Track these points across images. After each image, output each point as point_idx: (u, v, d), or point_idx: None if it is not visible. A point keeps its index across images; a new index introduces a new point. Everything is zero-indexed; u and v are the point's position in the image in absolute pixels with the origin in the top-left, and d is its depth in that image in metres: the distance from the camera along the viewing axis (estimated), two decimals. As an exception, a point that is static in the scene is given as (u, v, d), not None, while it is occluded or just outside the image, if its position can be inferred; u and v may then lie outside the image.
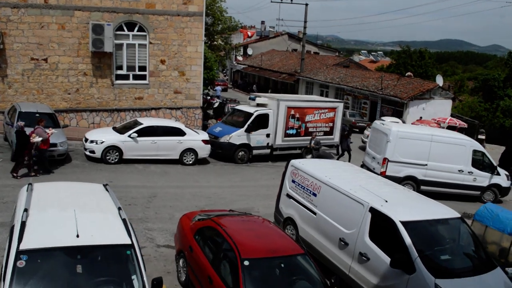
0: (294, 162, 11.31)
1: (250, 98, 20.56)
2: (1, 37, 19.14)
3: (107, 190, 8.00)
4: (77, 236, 5.99)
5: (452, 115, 34.38)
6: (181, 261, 8.95)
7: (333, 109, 21.50)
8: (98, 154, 16.57)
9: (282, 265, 7.44)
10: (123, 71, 21.30)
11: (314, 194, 10.27)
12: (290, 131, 20.24)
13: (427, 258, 7.87)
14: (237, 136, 19.09)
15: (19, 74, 19.78)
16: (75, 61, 20.39)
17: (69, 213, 6.56)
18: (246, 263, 7.02)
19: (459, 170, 17.13)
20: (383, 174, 15.76)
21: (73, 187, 8.51)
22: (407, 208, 8.74)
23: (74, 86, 20.58)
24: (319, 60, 46.57)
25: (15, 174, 14.07)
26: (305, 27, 41.40)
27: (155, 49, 21.35)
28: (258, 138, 19.58)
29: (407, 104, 31.33)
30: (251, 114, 19.47)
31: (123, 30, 20.85)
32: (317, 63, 44.68)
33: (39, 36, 19.72)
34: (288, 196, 11.27)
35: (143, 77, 21.60)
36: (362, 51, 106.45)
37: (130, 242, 6.19)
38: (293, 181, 11.17)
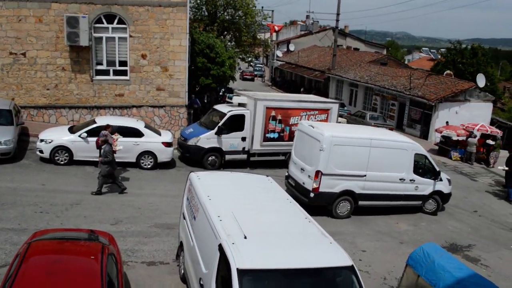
0: (191, 175, 9.44)
1: (228, 97, 18.75)
2: (-20, 30, 18.77)
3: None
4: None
5: (493, 121, 30.43)
6: None
7: (325, 110, 19.11)
8: (46, 154, 15.59)
9: None
10: (103, 66, 20.25)
11: (194, 218, 8.39)
12: (271, 135, 18.17)
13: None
14: (206, 139, 17.35)
15: (-1, 69, 19.33)
16: (53, 55, 19.62)
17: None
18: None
19: (400, 179, 14.54)
20: (315, 191, 13.40)
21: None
22: (267, 249, 6.57)
23: (52, 82, 19.83)
24: (356, 57, 43.51)
25: None
26: (337, 20, 38.91)
27: (135, 43, 20.10)
28: (231, 141, 17.73)
29: (436, 107, 27.96)
30: (224, 115, 17.66)
31: (102, 23, 19.78)
32: (352, 60, 41.71)
33: (17, 30, 19.13)
34: (183, 216, 9.45)
35: (124, 73, 20.44)
36: (424, 48, 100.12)
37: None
38: (187, 199, 9.34)
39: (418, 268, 7.97)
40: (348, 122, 29.94)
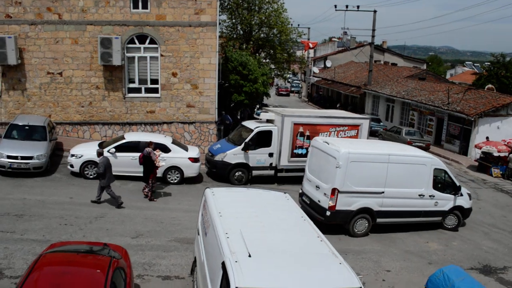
0: (206, 190, 9.40)
1: (256, 113, 18.75)
2: (21, 52, 19.76)
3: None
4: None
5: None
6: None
7: (356, 126, 18.78)
8: (76, 169, 16.08)
9: None
10: (135, 84, 20.83)
11: (206, 234, 8.32)
12: (299, 151, 17.99)
13: None
14: (233, 155, 17.38)
15: (37, 88, 20.24)
16: (88, 74, 20.36)
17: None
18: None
19: (419, 195, 13.94)
20: (332, 209, 12.95)
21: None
22: (270, 268, 6.34)
23: (87, 99, 20.54)
24: (393, 72, 42.72)
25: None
26: (373, 36, 38.37)
27: (166, 62, 20.57)
28: (258, 157, 17.67)
29: (475, 122, 26.91)
30: (251, 131, 17.66)
31: (134, 43, 20.40)
32: (389, 75, 40.98)
33: (54, 51, 20.03)
34: (198, 232, 9.40)
35: (155, 90, 20.93)
36: (467, 63, 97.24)
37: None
38: (201, 214, 9.29)
39: (437, 291, 7.57)
40: (383, 138, 29.33)
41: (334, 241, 13.09)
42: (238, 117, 31.43)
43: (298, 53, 55.43)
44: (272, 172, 18.04)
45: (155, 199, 15.01)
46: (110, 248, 8.09)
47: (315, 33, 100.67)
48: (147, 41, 20.43)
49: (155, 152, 14.87)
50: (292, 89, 69.95)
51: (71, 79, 20.30)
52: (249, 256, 6.44)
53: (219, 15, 39.55)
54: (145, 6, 20.13)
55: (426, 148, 27.69)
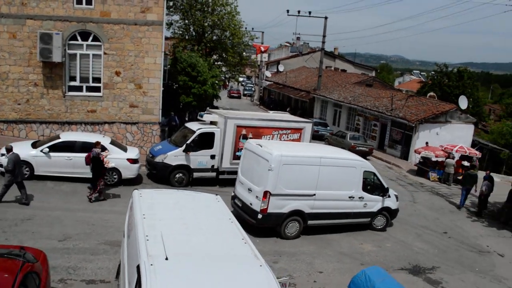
0: (134, 192, 9.17)
1: (199, 115, 18.63)
2: (-47, 45, 18.71)
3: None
4: None
5: (475, 142, 30.39)
6: None
7: (299, 130, 18.99)
8: (7, 169, 15.33)
9: None
10: (76, 83, 20.16)
11: (129, 236, 8.13)
12: (241, 153, 17.96)
13: None
14: (174, 156, 17.16)
15: (-30, 83, 19.20)
16: (26, 71, 19.53)
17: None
18: None
19: (349, 197, 14.36)
20: (263, 212, 13.04)
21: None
22: (186, 272, 6.16)
23: (24, 97, 19.69)
24: (342, 78, 43.69)
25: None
26: (323, 42, 39.15)
27: (110, 60, 20.05)
28: (200, 159, 17.53)
29: (416, 128, 27.93)
30: (194, 132, 17.51)
31: (77, 40, 19.77)
32: (338, 81, 41.86)
33: (-10, 45, 19.08)
34: (124, 234, 9.18)
35: (97, 89, 20.34)
36: (414, 71, 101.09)
37: None
38: (128, 217, 9.08)
39: (358, 293, 7.71)
40: (329, 142, 29.86)
41: (270, 243, 13.26)
42: (186, 118, 31.15)
43: (254, 57, 55.78)
44: (214, 174, 17.95)
45: (105, 199, 14.94)
46: (26, 251, 7.75)
47: (269, 37, 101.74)
48: (90, 38, 19.85)
49: (102, 152, 14.64)
50: (245, 92, 70.23)
51: (7, 75, 19.39)
52: (166, 259, 6.32)
53: (172, 15, 39.43)
54: (89, 2, 19.53)
55: (369, 153, 28.52)
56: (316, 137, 32.96)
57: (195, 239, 7.24)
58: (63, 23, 19.42)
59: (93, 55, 20.04)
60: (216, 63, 39.37)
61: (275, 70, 60.61)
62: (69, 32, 19.49)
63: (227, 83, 68.13)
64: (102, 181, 14.87)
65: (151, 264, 6.13)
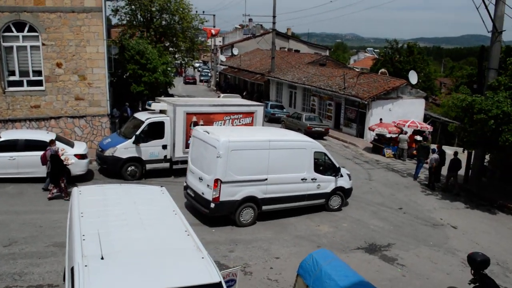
0: (73, 190, 8.75)
1: (147, 104, 18.07)
2: None
3: None
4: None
5: (427, 116, 31.12)
6: None
7: (250, 113, 18.77)
8: None
9: None
10: (16, 77, 19.06)
11: (68, 237, 7.70)
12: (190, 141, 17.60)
13: None
14: (124, 149, 16.62)
15: None
16: (-41, 67, 18.31)
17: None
18: None
19: (302, 179, 14.37)
20: (216, 201, 12.86)
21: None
22: (122, 271, 5.89)
23: (-40, 95, 18.50)
24: (296, 59, 43.65)
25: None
26: (274, 23, 38.96)
27: (49, 51, 19.05)
28: (151, 150, 17.06)
29: (369, 105, 28.25)
30: (142, 123, 16.97)
31: (12, 31, 18.62)
32: (292, 62, 41.79)
33: None
34: (66, 236, 8.72)
35: (39, 83, 19.32)
36: (368, 49, 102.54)
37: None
38: (69, 216, 8.61)
39: (307, 277, 7.63)
40: (285, 124, 29.86)
41: (226, 232, 13.07)
42: (140, 108, 30.34)
43: (207, 40, 54.88)
44: (167, 164, 17.52)
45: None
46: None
47: (220, 20, 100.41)
48: (26, 28, 18.73)
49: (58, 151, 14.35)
50: (202, 78, 69.29)
51: None
52: (102, 258, 6.02)
53: (117, 1, 38.08)
54: (21, -9, 18.45)
55: (325, 133, 28.73)
56: (273, 119, 32.98)
57: (134, 235, 6.95)
58: (-5, 14, 18.26)
59: (31, 46, 18.97)
60: (169, 49, 38.45)
61: (230, 54, 59.99)
62: (2, 23, 18.31)
63: (182, 69, 67.04)
64: (64, 179, 14.46)
65: (86, 265, 5.86)
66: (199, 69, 77.81)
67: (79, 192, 8.52)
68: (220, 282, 6.08)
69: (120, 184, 10.78)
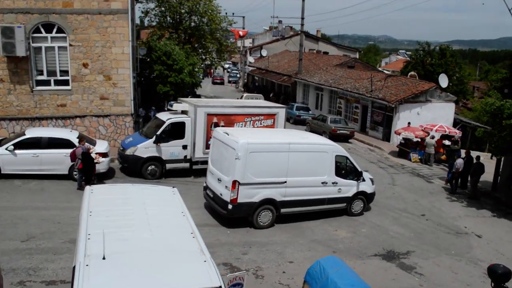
0: (86, 188, 8.85)
1: (169, 104, 18.20)
2: None
3: None
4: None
5: (456, 121, 30.26)
6: None
7: (272, 115, 18.65)
8: (-30, 168, 14.92)
9: None
10: (44, 77, 19.57)
11: (77, 235, 7.78)
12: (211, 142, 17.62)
13: None
14: (144, 148, 16.78)
15: None
16: (-10, 67, 18.91)
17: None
18: None
19: (322, 183, 14.10)
20: (234, 202, 12.75)
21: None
22: (122, 272, 5.89)
23: (-10, 94, 19.11)
24: (324, 61, 43.25)
25: None
26: (302, 24, 38.67)
27: (76, 52, 19.46)
28: (172, 150, 17.17)
29: (396, 108, 27.67)
30: (163, 123, 17.11)
31: (41, 32, 19.13)
32: (320, 64, 41.43)
33: (-50, 41, 18.39)
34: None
35: (65, 83, 19.77)
36: (400, 51, 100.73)
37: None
38: (81, 215, 8.72)
39: (314, 284, 7.46)
40: (310, 127, 29.60)
41: (241, 234, 13.00)
42: (165, 108, 30.67)
43: (236, 42, 55.06)
44: (187, 165, 17.61)
45: None
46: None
47: (250, 22, 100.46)
48: (54, 30, 19.22)
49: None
50: (230, 79, 69.58)
51: (-29, 71, 18.81)
52: (104, 258, 6.03)
53: (147, 3, 38.66)
54: (50, -7, 18.93)
55: (350, 136, 28.33)
56: (299, 121, 32.75)
57: (139, 235, 6.93)
58: (25, 16, 18.76)
59: (59, 47, 19.42)
60: (197, 50, 38.73)
61: (259, 56, 59.98)
62: (31, 24, 18.84)
63: (211, 70, 67.51)
64: (95, 177, 14.94)
65: (87, 265, 5.87)
66: (228, 70, 78.23)
67: (90, 191, 8.60)
68: (220, 287, 6.00)
69: (132, 183, 10.87)
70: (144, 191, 9.07)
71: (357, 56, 56.15)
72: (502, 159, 19.64)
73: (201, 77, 45.53)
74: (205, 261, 6.39)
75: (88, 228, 6.94)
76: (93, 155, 14.91)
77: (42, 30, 19.11)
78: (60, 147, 15.38)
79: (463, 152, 21.47)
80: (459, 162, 19.34)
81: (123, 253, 6.32)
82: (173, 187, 9.29)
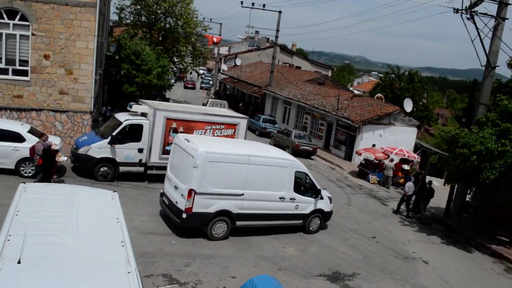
0: (19, 186, 8.37)
1: (128, 105, 17.80)
2: None
3: None
4: None
5: (417, 146, 30.81)
6: None
7: (233, 125, 18.47)
8: None
9: None
10: (2, 65, 18.80)
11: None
12: (171, 148, 17.29)
13: None
14: (98, 148, 16.30)
15: None
16: None
17: None
18: None
19: (280, 198, 14.03)
20: (188, 212, 12.48)
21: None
22: (36, 279, 5.55)
23: None
24: (296, 75, 43.51)
25: None
26: (276, 37, 38.77)
27: (38, 42, 18.83)
28: (127, 152, 16.74)
29: (360, 128, 27.97)
30: (120, 123, 16.69)
31: (3, 18, 18.44)
32: (291, 78, 41.64)
33: None
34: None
35: (24, 73, 19.09)
36: (373, 73, 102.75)
37: None
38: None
39: (244, 302, 7.25)
40: (275, 140, 29.57)
41: (187, 244, 12.70)
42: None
43: (211, 48, 54.83)
44: (141, 169, 17.19)
45: None
46: None
47: (226, 30, 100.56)
48: (18, 17, 18.55)
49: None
50: (202, 85, 69.25)
51: None
52: (19, 262, 5.68)
53: (122, 0, 38.02)
54: (17, -21, 18.32)
55: (313, 152, 28.43)
56: (264, 134, 32.69)
57: (64, 241, 6.57)
58: (-13, 0, 18.08)
59: (21, 35, 18.76)
60: (170, 53, 38.26)
61: (233, 64, 59.93)
62: (-6, 9, 18.17)
63: (184, 74, 67.00)
64: (55, 176, 14.44)
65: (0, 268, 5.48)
66: (202, 76, 77.83)
67: (24, 189, 8.17)
68: None
69: (70, 185, 10.42)
70: (81, 193, 8.69)
71: (330, 74, 56.79)
72: (456, 186, 20.04)
73: (172, 80, 45.08)
74: (129, 272, 6.11)
75: (10, 229, 6.53)
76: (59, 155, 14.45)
77: (5, 16, 18.42)
78: (8, 140, 14.75)
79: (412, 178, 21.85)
80: (408, 185, 19.76)
81: (41, 259, 5.97)
82: (114, 191, 8.94)
